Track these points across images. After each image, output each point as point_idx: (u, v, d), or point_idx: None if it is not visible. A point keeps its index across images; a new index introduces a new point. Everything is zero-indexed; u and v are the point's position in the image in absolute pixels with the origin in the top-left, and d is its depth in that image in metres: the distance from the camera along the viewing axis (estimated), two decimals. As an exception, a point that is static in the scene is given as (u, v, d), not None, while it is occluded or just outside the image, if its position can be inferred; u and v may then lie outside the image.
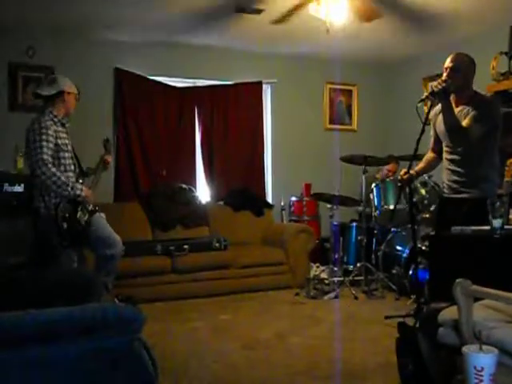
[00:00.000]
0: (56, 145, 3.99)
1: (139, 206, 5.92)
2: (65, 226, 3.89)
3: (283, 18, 4.89)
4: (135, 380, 1.52)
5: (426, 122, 3.40)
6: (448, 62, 3.48)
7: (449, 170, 3.61)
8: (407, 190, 3.99)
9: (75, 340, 1.44)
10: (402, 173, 3.82)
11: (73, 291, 2.37)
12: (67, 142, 4.11)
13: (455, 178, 3.57)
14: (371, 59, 7.08)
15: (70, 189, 3.95)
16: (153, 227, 5.88)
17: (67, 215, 3.92)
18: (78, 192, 3.99)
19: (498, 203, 2.86)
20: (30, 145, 3.95)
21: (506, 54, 5.12)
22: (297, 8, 4.67)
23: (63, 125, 4.12)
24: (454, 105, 3.54)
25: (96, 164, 4.38)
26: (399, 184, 4.44)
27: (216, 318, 4.55)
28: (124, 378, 1.50)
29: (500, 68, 5.14)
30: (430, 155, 3.90)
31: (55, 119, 4.05)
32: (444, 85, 3.33)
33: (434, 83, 3.40)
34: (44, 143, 3.91)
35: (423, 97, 3.43)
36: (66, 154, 4.07)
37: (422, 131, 3.36)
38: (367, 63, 7.20)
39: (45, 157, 3.89)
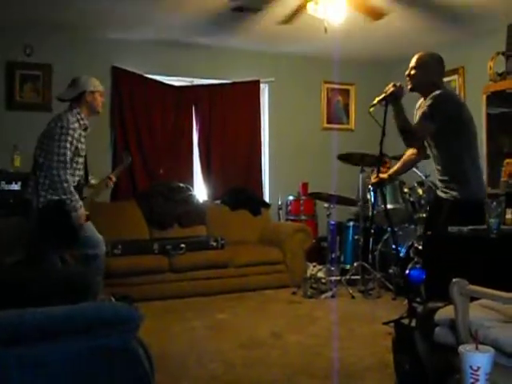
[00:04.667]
0: (76, 148, 3.98)
1: (136, 204, 5.92)
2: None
3: (290, 19, 4.85)
4: (132, 378, 1.52)
5: (385, 125, 3.43)
6: (411, 62, 3.57)
7: (435, 168, 3.65)
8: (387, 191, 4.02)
9: (72, 338, 1.45)
10: (373, 177, 3.85)
11: (69, 290, 2.37)
12: (84, 147, 4.10)
13: (438, 177, 3.59)
14: (369, 59, 7.08)
15: (73, 200, 3.93)
16: (150, 226, 5.88)
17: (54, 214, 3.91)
18: (78, 207, 3.96)
19: (495, 203, 2.87)
20: (50, 140, 3.91)
21: (503, 54, 5.13)
22: (300, 8, 4.65)
23: (86, 129, 4.11)
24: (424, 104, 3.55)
25: (99, 181, 4.39)
26: (371, 188, 4.49)
27: (213, 317, 4.55)
28: (121, 377, 1.50)
29: (497, 68, 5.14)
30: (407, 153, 3.88)
31: (81, 121, 4.04)
32: (393, 89, 3.39)
33: (386, 88, 3.45)
34: (68, 145, 3.90)
35: (374, 102, 3.49)
36: (80, 160, 4.07)
37: (383, 134, 3.40)
38: (365, 63, 7.20)
39: (67, 159, 3.89)
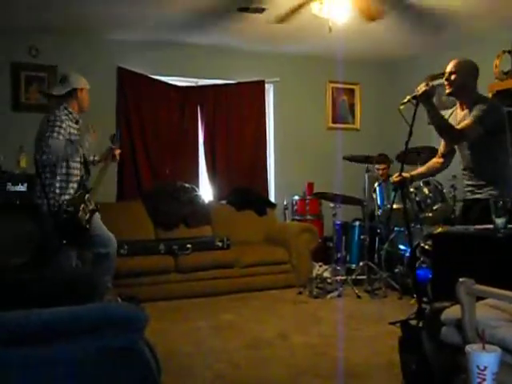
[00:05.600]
0: (70, 141, 4.00)
1: (142, 205, 5.92)
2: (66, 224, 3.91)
3: (286, 17, 4.87)
4: (138, 378, 1.52)
5: (413, 124, 3.45)
6: (448, 67, 3.60)
7: (463, 174, 3.67)
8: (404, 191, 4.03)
9: (79, 339, 1.45)
10: (395, 176, 3.85)
11: (76, 291, 2.37)
12: (78, 138, 4.12)
13: (468, 182, 3.61)
14: (374, 58, 7.07)
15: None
16: (156, 226, 5.89)
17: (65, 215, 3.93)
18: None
19: (501, 202, 2.86)
20: (44, 138, 3.93)
21: (509, 52, 5.11)
22: (299, 7, 4.66)
23: (77, 122, 4.13)
24: (459, 109, 3.60)
25: (102, 155, 4.41)
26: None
27: (219, 317, 4.55)
28: (127, 377, 1.50)
29: (503, 67, 5.12)
30: (433, 160, 3.94)
31: (70, 115, 4.06)
32: (425, 88, 3.39)
33: (418, 87, 3.46)
34: (55, 134, 3.92)
35: (405, 100, 3.49)
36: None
37: (410, 133, 3.42)
38: (370, 62, 7.19)
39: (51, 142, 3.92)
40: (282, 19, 4.93)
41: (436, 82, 3.75)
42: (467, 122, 3.44)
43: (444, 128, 3.51)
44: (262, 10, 5.12)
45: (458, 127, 3.48)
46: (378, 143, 6.94)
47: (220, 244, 5.62)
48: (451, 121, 3.60)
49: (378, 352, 3.52)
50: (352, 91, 7.37)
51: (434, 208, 4.75)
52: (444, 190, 4.86)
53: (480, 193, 3.52)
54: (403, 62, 7.13)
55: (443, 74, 3.66)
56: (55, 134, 3.91)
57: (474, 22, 5.47)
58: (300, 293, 5.37)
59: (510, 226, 2.86)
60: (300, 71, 6.97)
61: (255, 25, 5.57)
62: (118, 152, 4.45)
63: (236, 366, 3.35)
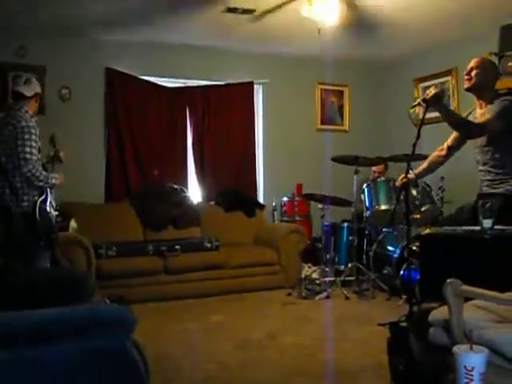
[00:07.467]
0: (38, 147, 4.01)
1: (130, 206, 5.90)
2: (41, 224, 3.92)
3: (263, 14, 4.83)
4: (127, 380, 1.52)
5: (421, 127, 3.45)
6: (470, 64, 3.60)
7: (480, 171, 3.64)
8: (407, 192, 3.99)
9: (67, 340, 1.44)
10: (400, 178, 3.84)
11: (64, 291, 2.36)
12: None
13: (486, 177, 3.59)
14: (363, 60, 7.09)
15: (46, 179, 4.00)
16: (144, 228, 5.87)
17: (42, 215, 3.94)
18: (54, 181, 4.06)
19: (489, 203, 2.88)
20: (14, 141, 3.90)
21: (495, 54, 5.14)
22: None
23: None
24: (478, 108, 3.60)
25: (49, 158, 4.38)
26: (397, 188, 4.45)
27: (208, 319, 4.54)
28: (116, 379, 1.50)
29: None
30: (435, 154, 3.90)
31: (33, 118, 4.06)
32: (435, 91, 3.39)
33: (427, 90, 3.46)
34: (33, 143, 3.92)
35: (415, 103, 3.49)
36: (39, 154, 4.09)
37: (418, 136, 3.41)
38: (359, 64, 7.21)
39: (34, 158, 3.91)
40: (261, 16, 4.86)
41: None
42: (487, 116, 3.43)
43: (461, 124, 3.51)
44: (250, 12, 5.13)
45: (478, 121, 3.46)
46: (367, 145, 6.96)
47: (209, 245, 5.61)
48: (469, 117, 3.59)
49: (367, 353, 3.53)
50: (341, 93, 7.39)
51: (422, 209, 4.79)
52: (432, 192, 4.89)
53: (499, 187, 3.49)
54: (392, 63, 7.17)
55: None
56: (33, 143, 3.91)
57: (462, 24, 5.51)
58: (289, 294, 5.38)
59: (496, 227, 2.88)
60: (289, 72, 6.97)
61: (244, 26, 5.57)
62: (62, 154, 4.40)
63: (226, 367, 3.35)
